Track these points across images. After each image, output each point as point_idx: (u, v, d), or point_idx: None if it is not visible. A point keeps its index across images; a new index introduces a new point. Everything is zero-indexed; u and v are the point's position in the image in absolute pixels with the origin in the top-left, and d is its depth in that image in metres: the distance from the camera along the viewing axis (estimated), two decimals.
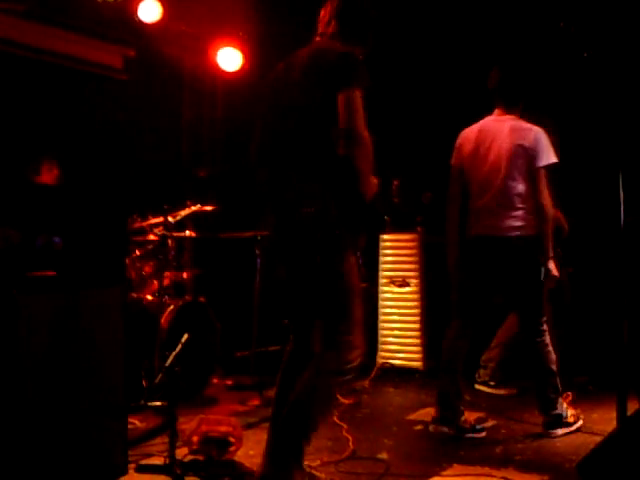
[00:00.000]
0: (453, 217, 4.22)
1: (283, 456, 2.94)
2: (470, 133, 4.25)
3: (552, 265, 4.02)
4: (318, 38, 3.30)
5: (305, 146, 3.04)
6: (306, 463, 3.19)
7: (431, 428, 4.18)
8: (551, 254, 4.02)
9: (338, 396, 4.91)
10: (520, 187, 4.03)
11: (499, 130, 4.12)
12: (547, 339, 4.10)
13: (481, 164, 4.14)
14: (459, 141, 4.29)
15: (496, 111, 4.23)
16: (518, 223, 4.03)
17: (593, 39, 2.94)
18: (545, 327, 4.11)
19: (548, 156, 4.01)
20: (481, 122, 4.25)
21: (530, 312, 4.13)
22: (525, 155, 4.02)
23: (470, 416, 4.24)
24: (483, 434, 4.11)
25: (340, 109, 2.91)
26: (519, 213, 4.04)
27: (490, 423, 4.35)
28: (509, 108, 4.17)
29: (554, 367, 4.10)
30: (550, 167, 4.02)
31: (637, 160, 3.47)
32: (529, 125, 4.10)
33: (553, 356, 4.11)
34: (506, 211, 4.05)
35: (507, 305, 4.66)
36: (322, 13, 3.32)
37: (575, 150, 5.40)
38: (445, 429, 4.11)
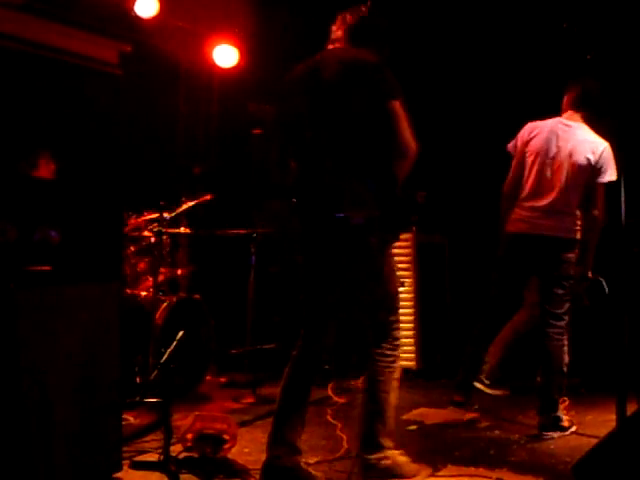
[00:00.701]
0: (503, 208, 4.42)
1: (376, 440, 3.26)
2: (541, 130, 4.30)
3: (590, 274, 4.22)
4: (331, 46, 3.42)
5: (350, 153, 3.20)
6: (303, 460, 3.26)
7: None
8: (591, 264, 4.22)
9: (332, 395, 4.94)
10: (578, 196, 4.19)
11: (570, 137, 4.22)
12: (565, 340, 4.21)
13: (547, 166, 4.22)
14: (528, 134, 4.34)
15: (567, 114, 4.32)
16: (566, 225, 4.18)
17: (596, 41, 2.95)
18: (565, 327, 4.23)
19: (612, 173, 4.10)
20: (551, 122, 4.31)
21: (555, 309, 4.21)
22: (590, 168, 4.15)
23: None
24: None
25: (389, 120, 3.14)
26: (571, 218, 4.19)
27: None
28: (585, 116, 4.27)
29: (565, 369, 4.19)
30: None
31: (639, 162, 3.48)
32: (599, 139, 4.19)
33: (567, 358, 4.20)
34: (561, 215, 4.18)
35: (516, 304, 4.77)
36: (334, 28, 3.44)
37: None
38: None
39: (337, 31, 3.40)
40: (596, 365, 5.31)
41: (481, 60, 6.01)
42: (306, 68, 3.34)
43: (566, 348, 4.20)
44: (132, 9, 5.63)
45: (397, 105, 3.16)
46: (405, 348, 5.88)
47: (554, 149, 4.21)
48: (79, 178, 5.06)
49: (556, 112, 4.40)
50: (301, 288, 3.41)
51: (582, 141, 4.18)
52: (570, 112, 4.30)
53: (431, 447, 3.92)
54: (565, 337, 4.21)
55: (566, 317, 4.22)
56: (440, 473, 3.48)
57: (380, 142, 3.18)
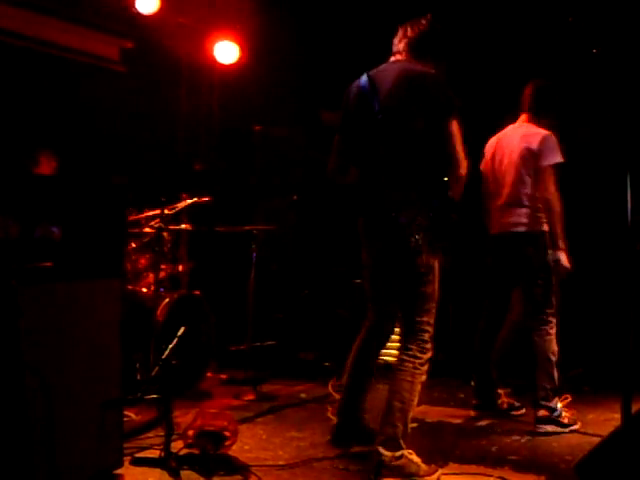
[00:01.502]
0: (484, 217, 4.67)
1: (395, 438, 3.33)
2: (492, 141, 4.64)
3: (563, 256, 4.22)
4: (394, 58, 3.58)
5: (401, 163, 3.40)
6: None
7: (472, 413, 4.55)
8: (561, 246, 4.22)
9: (333, 392, 4.93)
10: (528, 187, 4.34)
11: (513, 137, 4.47)
12: (551, 330, 4.29)
13: (497, 168, 4.51)
14: (485, 149, 4.68)
15: (520, 118, 4.55)
16: (524, 220, 4.34)
17: (602, 35, 2.94)
18: (551, 318, 4.30)
19: (553, 156, 4.26)
20: (503, 131, 4.61)
21: (536, 301, 4.32)
22: (532, 157, 4.33)
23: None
24: (523, 410, 4.52)
25: (445, 138, 3.34)
26: (525, 210, 4.34)
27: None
28: (532, 118, 4.48)
29: (553, 358, 4.24)
30: (558, 166, 4.27)
31: None
32: (538, 130, 4.39)
33: (555, 347, 4.27)
34: (514, 209, 4.38)
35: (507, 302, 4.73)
36: (395, 41, 3.60)
37: (583, 148, 5.41)
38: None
39: (399, 44, 3.56)
40: (599, 363, 5.32)
41: (486, 59, 5.99)
42: (368, 79, 3.50)
43: (551, 337, 4.27)
44: (133, 6, 5.63)
45: (453, 124, 3.34)
46: None
47: (501, 151, 4.51)
48: (81, 174, 5.05)
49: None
50: (364, 275, 3.71)
51: (523, 135, 4.41)
52: (520, 115, 4.55)
53: (432, 445, 3.92)
54: (550, 326, 4.28)
55: (548, 308, 4.30)
56: (442, 471, 3.48)
57: (436, 156, 3.39)
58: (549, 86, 4.50)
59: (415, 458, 3.37)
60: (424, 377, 3.48)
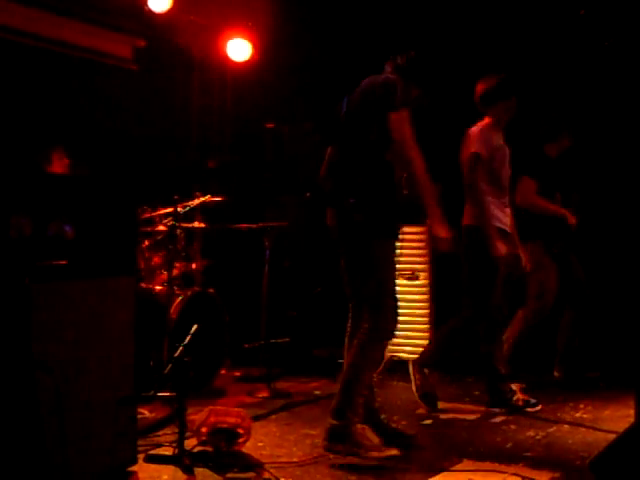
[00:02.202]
0: None
1: (342, 409, 3.53)
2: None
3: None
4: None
5: (354, 154, 3.65)
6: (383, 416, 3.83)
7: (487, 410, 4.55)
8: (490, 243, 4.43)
9: None
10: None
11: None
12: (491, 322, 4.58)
13: None
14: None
15: None
16: (473, 212, 4.57)
17: (614, 27, 2.90)
18: (492, 309, 4.53)
19: (477, 147, 4.51)
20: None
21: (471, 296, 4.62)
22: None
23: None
24: (539, 407, 4.49)
25: (390, 129, 3.52)
26: (476, 204, 4.54)
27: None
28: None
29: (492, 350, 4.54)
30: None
31: None
32: (473, 128, 4.64)
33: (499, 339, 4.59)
34: (469, 203, 4.64)
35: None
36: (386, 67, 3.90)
37: (595, 143, 5.36)
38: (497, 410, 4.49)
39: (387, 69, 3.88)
40: (615, 360, 5.28)
41: (496, 53, 5.95)
42: (351, 94, 3.81)
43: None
44: (145, 4, 5.64)
45: (396, 120, 3.51)
46: (419, 342, 5.87)
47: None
48: (94, 173, 5.06)
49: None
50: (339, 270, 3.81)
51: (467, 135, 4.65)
52: None
53: (446, 441, 3.91)
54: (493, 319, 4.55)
55: (488, 300, 4.51)
56: (456, 467, 3.47)
57: (385, 148, 3.60)
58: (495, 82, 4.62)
59: (368, 433, 3.66)
60: (377, 353, 3.64)
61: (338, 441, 3.50)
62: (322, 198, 3.82)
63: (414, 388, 4.60)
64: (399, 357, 5.90)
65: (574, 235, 5.19)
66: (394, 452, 3.61)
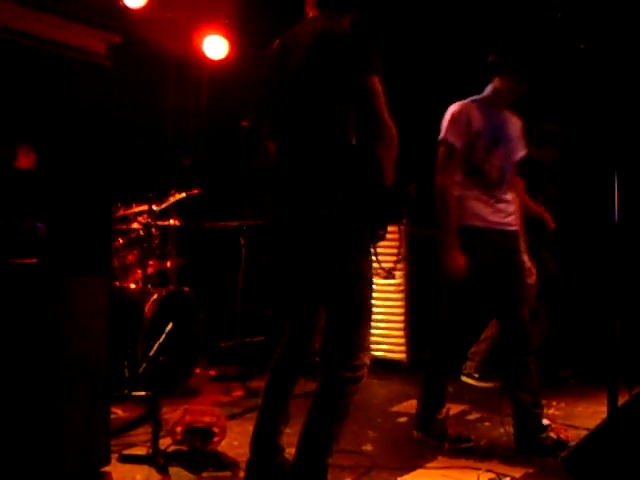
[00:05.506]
0: None
1: (309, 474, 2.83)
2: None
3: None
4: (312, 13, 3.07)
5: (318, 137, 2.87)
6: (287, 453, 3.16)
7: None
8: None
9: None
10: None
11: None
12: None
13: None
14: None
15: None
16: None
17: (591, 30, 2.90)
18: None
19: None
20: None
21: None
22: None
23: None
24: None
25: (367, 97, 2.77)
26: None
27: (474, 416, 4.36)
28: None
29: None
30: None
31: (633, 156, 3.46)
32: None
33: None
34: None
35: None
36: None
37: (570, 145, 5.40)
38: None
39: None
40: (585, 357, 5.33)
41: (473, 49, 5.98)
42: (280, 43, 3.05)
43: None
44: (121, 0, 5.59)
45: (376, 81, 2.78)
46: (395, 340, 5.90)
47: None
48: (66, 170, 5.01)
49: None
50: (285, 284, 3.17)
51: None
52: None
53: (421, 439, 3.92)
54: None
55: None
56: (430, 465, 3.49)
57: (358, 123, 2.84)
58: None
59: None
60: (352, 399, 2.86)
61: None
62: (278, 196, 3.04)
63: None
64: (374, 356, 5.92)
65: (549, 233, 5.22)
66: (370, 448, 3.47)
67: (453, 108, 3.85)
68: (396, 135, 2.79)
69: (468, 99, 3.89)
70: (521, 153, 3.98)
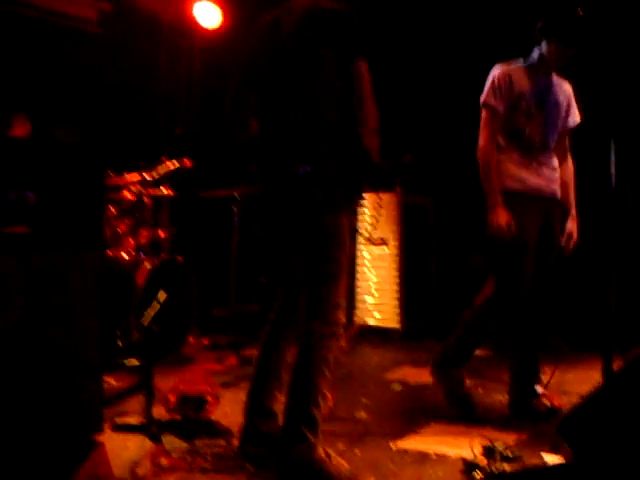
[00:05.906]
0: None
1: (297, 426, 2.85)
2: None
3: None
4: None
5: (302, 108, 2.92)
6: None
7: None
8: None
9: None
10: None
11: None
12: None
13: None
14: None
15: None
16: None
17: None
18: None
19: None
20: None
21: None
22: None
23: None
24: None
25: (352, 81, 2.84)
26: None
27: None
28: None
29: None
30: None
31: (630, 123, 3.41)
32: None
33: None
34: None
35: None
36: None
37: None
38: None
39: None
40: (579, 324, 5.34)
41: (467, 24, 5.93)
42: (270, 17, 3.09)
43: None
44: None
45: (363, 66, 2.86)
46: (389, 309, 5.91)
47: None
48: (56, 138, 4.96)
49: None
50: (270, 248, 3.27)
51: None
52: None
53: (415, 405, 3.95)
54: None
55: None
56: (424, 430, 3.50)
57: (342, 101, 2.88)
58: None
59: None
60: (330, 356, 2.90)
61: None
62: (262, 164, 3.10)
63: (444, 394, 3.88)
64: (368, 324, 5.93)
65: None
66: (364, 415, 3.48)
67: (495, 70, 3.76)
68: (376, 123, 2.85)
69: (512, 61, 3.79)
70: (573, 120, 3.89)
